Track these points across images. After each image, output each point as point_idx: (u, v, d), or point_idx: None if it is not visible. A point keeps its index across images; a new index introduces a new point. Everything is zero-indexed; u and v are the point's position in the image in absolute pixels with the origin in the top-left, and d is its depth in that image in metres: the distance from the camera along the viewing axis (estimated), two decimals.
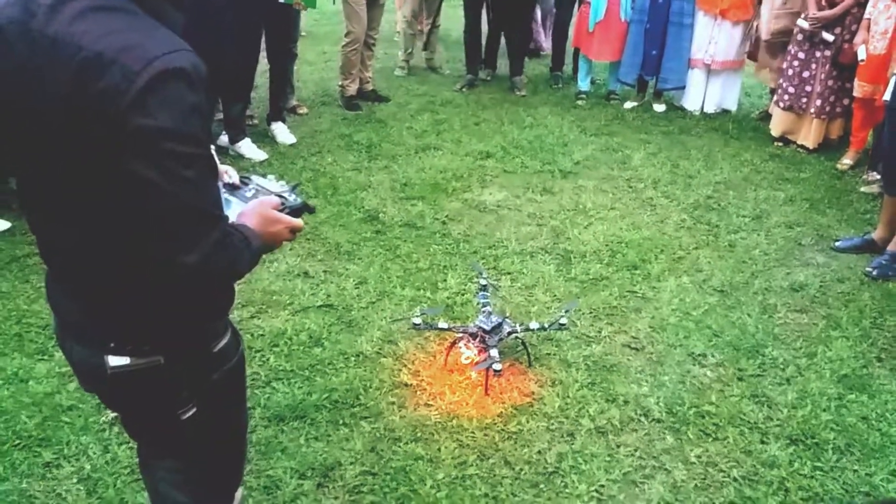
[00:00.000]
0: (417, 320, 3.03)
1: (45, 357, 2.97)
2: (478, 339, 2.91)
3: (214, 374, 1.56)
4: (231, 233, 1.32)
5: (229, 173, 1.61)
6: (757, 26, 5.80)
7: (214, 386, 1.57)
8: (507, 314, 3.18)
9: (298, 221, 1.53)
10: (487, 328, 2.89)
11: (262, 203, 1.50)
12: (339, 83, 6.13)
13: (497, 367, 2.75)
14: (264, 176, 1.66)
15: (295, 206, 1.57)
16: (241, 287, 3.48)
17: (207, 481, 1.77)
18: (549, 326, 3.04)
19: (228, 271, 1.34)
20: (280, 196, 1.56)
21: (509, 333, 2.96)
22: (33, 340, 3.07)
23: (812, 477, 2.49)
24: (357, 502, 2.34)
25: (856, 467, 2.54)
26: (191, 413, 1.54)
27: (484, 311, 3.00)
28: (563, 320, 3.05)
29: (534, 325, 3.04)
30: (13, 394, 2.76)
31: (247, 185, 1.62)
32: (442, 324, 3.08)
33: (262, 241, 1.41)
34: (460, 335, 2.99)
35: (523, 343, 2.99)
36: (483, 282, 3.18)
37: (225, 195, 1.52)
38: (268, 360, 2.99)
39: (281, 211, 1.50)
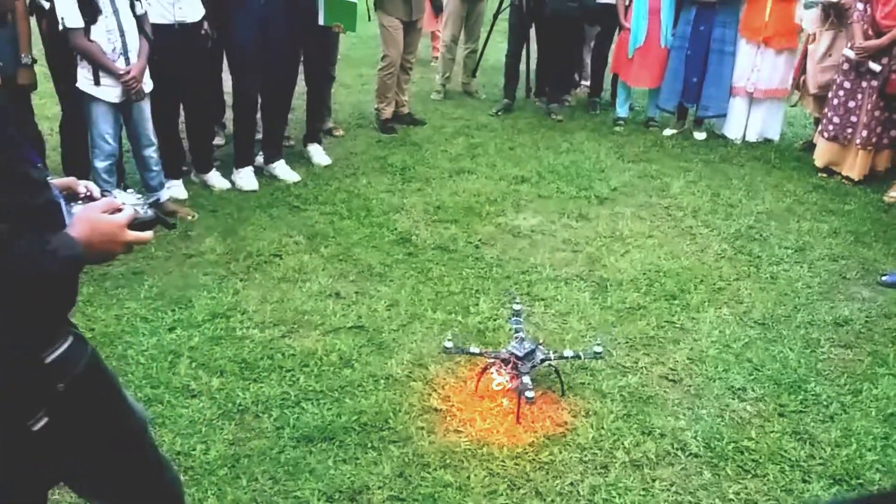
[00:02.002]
0: (449, 344, 2.99)
1: None
2: (510, 366, 2.86)
3: (59, 384, 1.46)
4: (22, 236, 1.26)
5: (90, 188, 1.55)
6: (801, 65, 5.69)
7: (65, 396, 1.47)
8: (541, 341, 3.13)
9: (141, 235, 1.47)
10: (520, 354, 2.84)
11: (89, 209, 1.43)
12: (375, 106, 6.17)
13: (530, 394, 2.69)
14: (126, 190, 1.61)
15: (146, 220, 1.51)
16: (273, 306, 3.49)
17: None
18: (584, 355, 2.98)
19: (21, 275, 1.27)
20: (134, 209, 1.50)
21: (542, 360, 2.90)
22: None
23: None
24: None
25: None
26: (42, 423, 1.44)
27: (517, 337, 2.95)
28: (598, 349, 2.99)
29: (568, 352, 2.98)
30: None
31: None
32: (473, 348, 3.04)
33: (83, 248, 1.35)
34: (492, 360, 2.95)
35: (556, 371, 2.93)
36: (516, 307, 3.14)
37: (77, 207, 1.48)
38: (298, 379, 2.97)
39: (132, 224, 1.45)
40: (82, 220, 1.39)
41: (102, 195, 1.55)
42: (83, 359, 1.52)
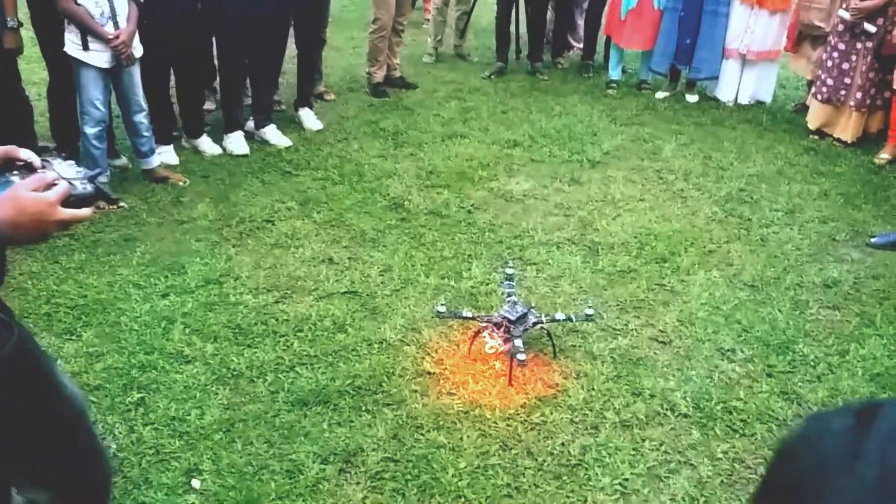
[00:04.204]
0: (442, 308, 3.01)
1: (74, 337, 3.01)
2: (502, 329, 2.89)
3: None
4: None
5: (30, 157, 1.48)
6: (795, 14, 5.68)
7: None
8: (533, 304, 3.15)
9: (77, 212, 1.38)
10: (512, 318, 2.87)
11: (17, 187, 1.35)
12: (367, 70, 6.11)
13: (521, 357, 2.72)
14: (65, 160, 1.53)
15: (84, 196, 1.43)
16: (267, 272, 3.50)
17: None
18: (576, 318, 3.01)
19: None
20: (71, 183, 1.41)
21: (534, 324, 2.93)
22: (62, 320, 3.11)
23: None
24: (379, 489, 2.34)
25: None
26: None
27: (509, 301, 2.97)
28: (590, 311, 3.02)
29: (559, 315, 3.00)
30: None
31: (44, 169, 1.48)
32: (466, 312, 3.06)
33: (8, 229, 1.29)
34: (484, 324, 2.97)
35: (548, 334, 2.96)
36: (508, 271, 3.15)
37: (14, 176, 1.41)
38: (292, 344, 3.00)
39: (68, 200, 1.37)
40: (6, 200, 1.31)
41: (43, 165, 1.47)
42: (7, 343, 1.42)
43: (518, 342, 2.78)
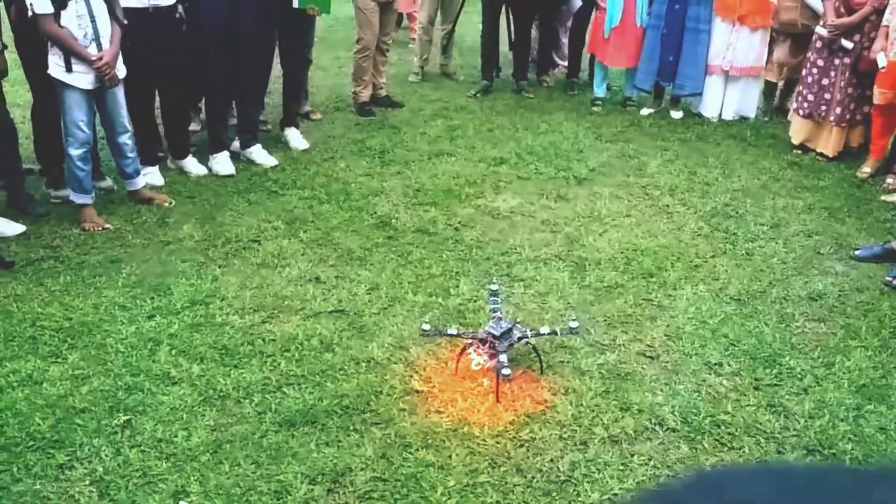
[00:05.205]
0: (426, 327, 3.01)
1: (59, 360, 2.98)
2: (487, 345, 2.89)
3: None
4: None
5: None
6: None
7: None
8: (519, 320, 3.15)
9: None
10: (497, 333, 2.87)
11: None
12: (352, 89, 6.13)
13: (506, 371, 2.72)
14: None
15: None
16: (253, 292, 3.49)
17: None
18: (560, 332, 3.01)
19: None
20: None
21: (519, 339, 2.93)
22: (47, 343, 3.08)
23: None
24: None
25: None
26: None
27: (494, 317, 2.98)
28: (574, 324, 3.02)
29: (544, 329, 3.01)
30: (27, 396, 2.77)
31: None
32: (451, 330, 3.06)
33: None
34: (470, 341, 2.97)
35: (534, 349, 2.96)
36: (493, 287, 3.16)
37: None
38: (279, 364, 2.98)
39: None
40: None
41: None
42: None
43: (503, 357, 2.78)
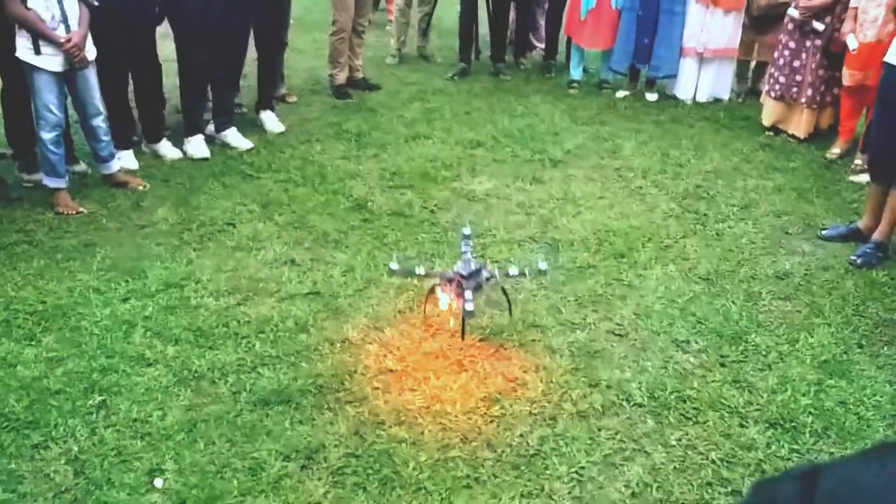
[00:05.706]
0: (395, 266, 3.01)
1: (33, 342, 2.99)
2: (455, 284, 2.88)
3: None
4: None
5: None
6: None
7: None
8: (487, 261, 3.14)
9: None
10: (465, 273, 2.86)
11: None
12: (329, 72, 6.12)
13: (469, 306, 2.73)
14: None
15: None
16: (228, 274, 3.50)
17: None
18: (529, 272, 3.01)
19: None
20: None
21: (488, 279, 2.94)
22: (21, 326, 3.09)
23: (788, 459, 2.53)
24: (340, 483, 2.37)
25: (832, 450, 2.58)
26: None
27: (464, 259, 2.93)
28: (543, 265, 3.01)
29: (513, 270, 2.98)
30: (1, 378, 2.78)
31: None
32: (419, 269, 3.05)
33: None
34: (437, 282, 2.97)
35: (503, 291, 2.98)
36: (466, 231, 3.05)
37: None
38: (254, 346, 3.01)
39: None
40: None
41: None
42: None
43: (468, 294, 2.78)
